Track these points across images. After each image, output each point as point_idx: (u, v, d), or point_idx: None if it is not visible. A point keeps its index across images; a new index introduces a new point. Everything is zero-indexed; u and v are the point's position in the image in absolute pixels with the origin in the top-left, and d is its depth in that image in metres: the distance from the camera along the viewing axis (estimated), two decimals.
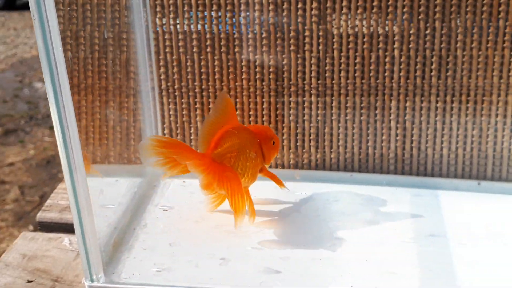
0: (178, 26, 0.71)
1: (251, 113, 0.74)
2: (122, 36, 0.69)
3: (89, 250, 0.53)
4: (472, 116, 0.70)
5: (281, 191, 0.66)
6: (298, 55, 0.70)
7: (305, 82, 0.71)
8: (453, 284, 0.54)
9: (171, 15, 0.71)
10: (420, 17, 0.67)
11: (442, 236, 0.61)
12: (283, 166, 0.76)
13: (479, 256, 0.58)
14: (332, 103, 0.72)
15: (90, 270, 0.54)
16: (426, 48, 0.68)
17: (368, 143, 0.73)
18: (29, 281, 0.58)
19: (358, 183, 0.73)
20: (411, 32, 0.67)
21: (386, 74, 0.69)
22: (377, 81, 0.70)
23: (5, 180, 2.06)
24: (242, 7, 0.69)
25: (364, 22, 0.68)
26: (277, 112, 0.73)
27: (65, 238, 0.65)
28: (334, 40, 0.69)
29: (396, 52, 0.68)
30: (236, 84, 0.73)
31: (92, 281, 0.55)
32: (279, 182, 0.66)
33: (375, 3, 0.67)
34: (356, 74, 0.70)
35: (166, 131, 0.76)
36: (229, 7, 0.70)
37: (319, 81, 0.71)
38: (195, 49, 0.72)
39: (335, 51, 0.70)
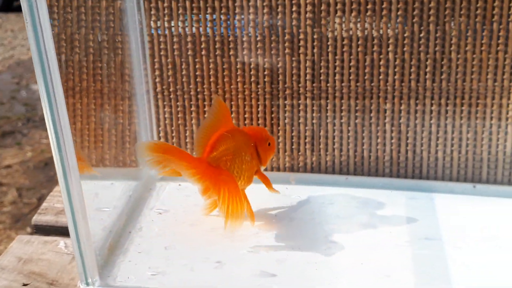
0: (173, 29, 0.71)
1: (246, 116, 0.74)
2: (116, 39, 0.69)
3: (84, 253, 0.53)
4: (467, 119, 0.70)
5: (275, 194, 0.66)
6: (293, 58, 0.70)
7: (300, 85, 0.71)
8: (448, 287, 0.54)
9: (166, 18, 0.71)
10: (414, 20, 0.67)
11: (437, 239, 0.61)
12: (278, 169, 0.76)
13: (474, 259, 0.58)
14: (327, 106, 0.72)
15: (86, 273, 0.54)
16: (420, 51, 0.68)
17: (363, 146, 0.73)
18: (24, 284, 0.58)
19: (353, 186, 0.73)
20: (405, 35, 0.68)
21: (381, 77, 0.70)
22: (372, 84, 0.70)
23: (3, 182, 2.05)
24: (237, 10, 0.69)
25: (359, 25, 0.68)
26: (272, 115, 0.73)
27: (61, 241, 0.65)
28: (329, 43, 0.69)
29: (390, 55, 0.69)
30: (231, 87, 0.73)
31: (87, 284, 0.55)
32: (269, 185, 0.66)
33: (369, 7, 0.67)
34: (351, 77, 0.70)
35: (161, 134, 0.76)
36: (223, 10, 0.70)
37: (314, 84, 0.71)
38: (190, 52, 0.72)
39: (330, 54, 0.70)
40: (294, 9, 0.68)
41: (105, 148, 0.72)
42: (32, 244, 0.65)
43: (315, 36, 0.69)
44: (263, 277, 0.56)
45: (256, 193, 0.66)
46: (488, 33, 0.66)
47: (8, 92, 3.06)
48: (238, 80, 0.72)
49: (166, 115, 0.75)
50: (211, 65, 0.72)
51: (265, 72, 0.72)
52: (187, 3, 0.70)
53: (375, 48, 0.69)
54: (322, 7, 0.68)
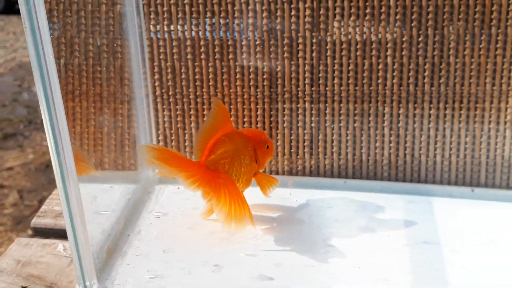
0: (172, 33, 0.72)
1: (245, 119, 0.74)
2: (116, 43, 0.69)
3: (82, 256, 0.53)
4: (466, 123, 0.70)
5: (275, 197, 0.67)
6: (292, 62, 0.71)
7: (299, 89, 0.72)
8: None
9: (165, 22, 0.71)
10: (412, 24, 0.67)
11: (436, 243, 0.61)
12: (277, 173, 0.76)
13: (472, 262, 0.58)
14: (326, 109, 0.72)
15: (84, 276, 0.54)
16: (419, 56, 0.68)
17: (362, 150, 0.73)
18: (23, 287, 0.58)
19: (352, 189, 0.73)
20: (403, 39, 0.68)
21: (379, 81, 0.70)
22: (371, 88, 0.70)
23: (4, 185, 2.06)
24: (236, 14, 0.70)
25: (357, 29, 0.68)
26: (271, 119, 0.74)
27: (60, 244, 0.65)
28: (327, 47, 0.70)
29: (389, 59, 0.69)
30: (231, 90, 0.73)
31: (85, 287, 0.55)
32: (264, 190, 0.65)
33: (368, 11, 0.67)
34: (349, 81, 0.70)
35: (160, 137, 0.76)
36: (223, 14, 0.70)
37: (313, 88, 0.71)
38: (189, 56, 0.72)
39: (329, 58, 0.70)
40: (293, 13, 0.69)
41: (104, 152, 0.72)
42: (31, 247, 0.65)
43: (314, 40, 0.69)
44: (261, 281, 0.56)
45: (254, 196, 0.67)
46: (486, 37, 0.66)
47: (10, 94, 3.07)
48: (237, 84, 0.73)
49: (166, 119, 0.75)
50: (210, 69, 0.72)
51: (264, 76, 0.72)
52: (187, 7, 0.70)
53: (374, 52, 0.69)
54: (321, 12, 0.68)
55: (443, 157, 0.72)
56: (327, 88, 0.71)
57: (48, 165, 2.20)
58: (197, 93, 0.74)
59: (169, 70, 0.73)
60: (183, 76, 0.73)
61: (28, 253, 0.64)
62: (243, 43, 0.71)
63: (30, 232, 1.70)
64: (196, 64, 0.73)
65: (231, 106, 0.74)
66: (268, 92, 0.73)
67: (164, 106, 0.75)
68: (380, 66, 0.69)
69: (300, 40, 0.70)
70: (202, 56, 0.72)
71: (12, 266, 0.61)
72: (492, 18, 0.65)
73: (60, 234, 0.68)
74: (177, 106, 0.75)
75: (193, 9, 0.70)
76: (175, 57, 0.73)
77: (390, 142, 0.72)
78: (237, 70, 0.72)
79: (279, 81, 0.72)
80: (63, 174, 0.49)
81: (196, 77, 0.73)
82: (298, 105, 0.72)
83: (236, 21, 0.70)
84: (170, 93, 0.74)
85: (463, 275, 0.56)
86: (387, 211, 0.68)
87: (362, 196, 0.71)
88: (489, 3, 0.65)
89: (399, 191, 0.72)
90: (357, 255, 0.59)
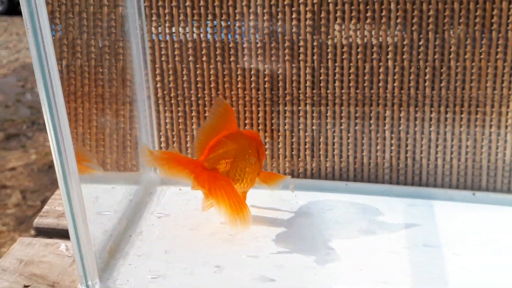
0: (173, 35, 0.72)
1: (246, 121, 0.74)
2: (118, 44, 0.69)
3: (84, 256, 0.53)
4: (467, 126, 0.70)
5: (277, 199, 0.67)
6: (293, 65, 0.71)
7: (300, 91, 0.72)
8: None
9: (167, 24, 0.72)
10: (413, 28, 0.67)
11: (436, 246, 0.61)
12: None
13: (473, 266, 0.58)
14: (327, 112, 0.72)
15: (86, 276, 0.55)
16: (419, 59, 0.68)
17: (363, 153, 0.73)
18: (25, 286, 0.58)
19: (353, 192, 0.73)
20: (404, 43, 0.68)
21: (380, 84, 0.70)
22: (372, 91, 0.70)
23: (7, 185, 2.06)
24: (238, 16, 0.70)
25: (358, 33, 0.68)
26: (273, 121, 0.74)
27: (62, 244, 0.66)
28: (328, 50, 0.70)
29: (390, 63, 0.69)
30: (232, 93, 0.73)
31: (87, 287, 0.55)
32: (272, 184, 0.65)
33: (368, 14, 0.68)
34: (350, 84, 0.71)
35: (162, 139, 0.77)
36: (224, 17, 0.70)
37: (314, 91, 0.72)
38: (191, 58, 0.73)
39: (330, 61, 0.70)
40: (294, 16, 0.69)
41: (106, 153, 0.72)
42: (34, 247, 0.65)
43: (315, 43, 0.70)
44: (262, 282, 0.56)
45: (255, 197, 0.67)
46: (487, 41, 0.67)
47: (13, 95, 3.08)
48: (238, 86, 0.73)
49: (167, 120, 0.76)
50: (212, 71, 0.73)
51: (266, 79, 0.72)
52: (188, 10, 0.71)
53: (375, 55, 0.69)
54: (322, 15, 0.69)
55: (444, 161, 0.72)
56: (328, 91, 0.71)
57: (51, 166, 2.21)
58: (199, 95, 0.74)
59: (170, 72, 0.74)
60: (185, 78, 0.74)
61: (30, 253, 0.64)
62: (245, 45, 0.71)
63: (32, 232, 1.70)
64: (197, 66, 0.73)
65: (233, 108, 0.74)
66: (269, 95, 0.73)
67: (166, 108, 0.75)
68: (381, 70, 0.69)
69: (301, 43, 0.70)
70: (204, 58, 0.72)
71: (15, 265, 0.62)
72: (493, 22, 0.66)
73: (62, 234, 0.69)
74: (179, 108, 0.75)
75: (194, 11, 0.71)
76: (176, 59, 0.73)
77: (391, 145, 0.72)
78: (239, 72, 0.72)
79: (280, 83, 0.72)
80: (65, 175, 0.49)
81: (198, 79, 0.73)
82: (299, 108, 0.73)
83: (238, 24, 0.70)
84: (171, 94, 0.75)
85: (463, 277, 0.56)
86: (388, 214, 0.68)
87: (363, 199, 0.71)
88: (490, 8, 0.65)
89: (400, 194, 0.72)
90: (358, 257, 0.60)
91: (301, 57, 0.71)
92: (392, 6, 0.67)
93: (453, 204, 0.70)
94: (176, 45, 0.72)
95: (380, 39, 0.68)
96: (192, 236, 0.64)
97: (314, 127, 0.73)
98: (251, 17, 0.70)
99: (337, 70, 0.70)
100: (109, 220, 0.64)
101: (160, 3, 0.71)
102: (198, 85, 0.74)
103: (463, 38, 0.67)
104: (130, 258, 0.60)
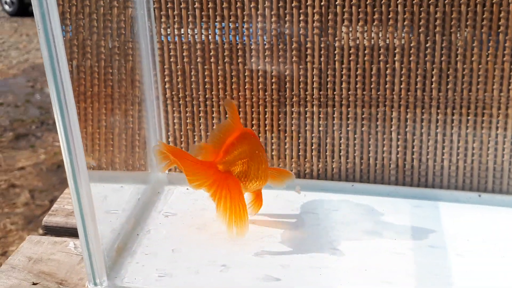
0: (182, 37, 0.73)
1: (253, 122, 0.75)
2: (127, 45, 0.70)
3: (92, 254, 0.54)
4: (473, 128, 0.70)
5: (283, 199, 0.67)
6: (300, 66, 0.71)
7: (307, 92, 0.72)
8: None
9: (176, 26, 0.72)
10: (420, 30, 0.67)
11: (441, 247, 0.61)
12: None
13: (477, 268, 0.58)
14: (333, 113, 0.73)
15: (94, 274, 0.55)
16: (426, 61, 0.69)
17: (369, 154, 0.74)
18: (34, 284, 0.59)
19: (359, 193, 0.73)
20: (411, 45, 0.68)
21: (387, 86, 0.70)
22: (378, 93, 0.71)
23: (16, 184, 2.08)
24: (246, 18, 0.70)
25: (365, 34, 0.69)
26: (280, 122, 0.74)
27: (70, 242, 0.66)
28: (335, 52, 0.70)
29: (397, 65, 0.69)
30: (239, 93, 0.74)
31: (95, 284, 0.56)
32: (280, 182, 0.66)
33: (376, 16, 0.68)
34: (357, 86, 0.71)
35: (170, 139, 0.77)
36: (232, 19, 0.71)
37: (321, 92, 0.72)
38: (199, 59, 0.73)
39: (337, 63, 0.70)
40: (301, 18, 0.69)
41: (115, 152, 0.73)
42: (42, 245, 0.66)
43: (322, 45, 0.70)
44: (267, 281, 0.56)
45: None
46: (494, 43, 0.67)
47: (22, 95, 3.10)
48: (246, 87, 0.73)
49: (175, 120, 0.76)
50: (220, 72, 0.73)
51: (273, 80, 0.73)
52: (197, 12, 0.71)
53: (381, 57, 0.69)
54: (330, 17, 0.69)
55: (451, 162, 0.72)
56: (335, 92, 0.72)
57: (60, 165, 2.22)
58: (207, 96, 0.75)
59: (179, 73, 0.74)
60: (193, 78, 0.74)
61: (39, 251, 0.65)
62: (252, 47, 0.72)
63: (41, 231, 1.72)
64: (205, 67, 0.73)
65: (240, 109, 0.74)
66: (276, 96, 0.73)
67: (174, 108, 0.76)
68: (388, 71, 0.70)
69: (309, 45, 0.70)
70: (212, 60, 0.73)
71: (24, 263, 0.62)
72: (500, 25, 0.66)
73: (71, 232, 0.69)
74: (187, 108, 0.76)
75: (203, 13, 0.71)
76: (185, 60, 0.74)
77: (397, 146, 0.73)
78: (246, 73, 0.73)
79: (288, 84, 0.73)
80: (75, 173, 0.50)
81: (206, 80, 0.74)
82: (306, 109, 0.73)
83: (246, 25, 0.71)
84: (180, 95, 0.75)
85: (468, 279, 0.56)
86: (394, 215, 0.68)
87: (369, 200, 0.72)
88: (497, 10, 0.65)
89: (406, 195, 0.72)
90: (363, 257, 0.60)
91: (309, 58, 0.71)
92: (400, 8, 0.67)
93: (459, 206, 0.70)
94: (184, 46, 0.73)
95: (387, 41, 0.69)
96: (199, 235, 0.65)
97: (320, 128, 0.74)
98: (259, 19, 0.70)
99: (344, 71, 0.71)
100: (117, 219, 0.64)
101: (169, 4, 0.72)
102: (206, 86, 0.74)
103: (470, 40, 0.67)
104: (138, 257, 0.61)
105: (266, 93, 0.73)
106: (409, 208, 0.70)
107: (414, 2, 0.67)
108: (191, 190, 0.74)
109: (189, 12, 0.72)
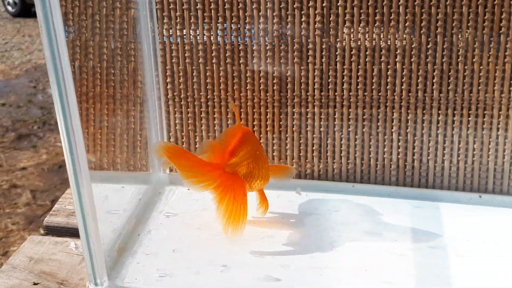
0: (184, 37, 0.73)
1: (255, 123, 0.75)
2: (130, 46, 0.70)
3: (93, 254, 0.54)
4: (474, 129, 0.70)
5: (284, 199, 0.67)
6: (302, 67, 0.72)
7: (308, 93, 0.73)
8: None
9: (178, 27, 0.72)
10: (422, 31, 0.68)
11: (442, 248, 0.61)
12: None
13: (478, 268, 0.58)
14: (335, 114, 0.73)
15: (94, 274, 0.55)
16: (427, 62, 0.69)
17: (370, 155, 0.74)
18: (35, 284, 0.59)
19: (359, 193, 0.73)
20: (413, 46, 0.68)
21: (388, 87, 0.70)
22: (379, 94, 0.71)
23: (17, 184, 2.08)
24: (247, 19, 0.71)
25: (367, 35, 0.69)
26: (281, 123, 0.74)
27: (71, 242, 0.66)
28: (337, 53, 0.70)
29: (398, 66, 0.69)
30: (241, 94, 0.74)
31: (96, 284, 0.56)
32: (282, 177, 0.68)
33: (377, 18, 0.68)
34: (358, 87, 0.71)
35: (171, 139, 0.77)
36: (234, 20, 0.71)
37: (322, 93, 0.72)
38: (201, 60, 0.73)
39: (338, 64, 0.71)
40: (303, 19, 0.70)
41: (116, 152, 0.73)
42: (43, 245, 0.66)
43: (323, 46, 0.70)
44: (267, 281, 0.56)
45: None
46: (495, 45, 0.67)
47: (25, 95, 3.10)
48: (247, 88, 0.74)
49: (177, 121, 0.77)
50: (222, 73, 0.74)
51: (274, 81, 0.73)
52: (199, 13, 0.72)
53: (383, 58, 0.69)
54: (331, 18, 0.69)
55: (451, 163, 0.72)
56: (336, 93, 0.72)
57: (61, 166, 2.22)
58: (208, 97, 0.75)
59: (181, 74, 0.75)
60: (195, 79, 0.75)
61: (40, 251, 0.65)
62: (254, 48, 0.72)
63: (42, 231, 1.72)
64: (207, 68, 0.74)
65: (241, 110, 0.75)
66: (278, 96, 0.73)
67: (176, 109, 0.76)
68: (389, 72, 0.70)
69: (310, 46, 0.71)
70: (214, 60, 0.73)
71: (25, 263, 0.62)
72: (501, 26, 0.66)
73: (72, 232, 0.69)
74: (189, 109, 0.76)
75: (205, 14, 0.72)
76: (187, 61, 0.74)
77: (398, 147, 0.73)
78: (248, 74, 0.73)
79: (289, 85, 0.73)
80: (76, 174, 0.50)
81: (208, 80, 0.74)
82: (307, 110, 0.73)
83: (247, 27, 0.71)
84: (181, 96, 0.75)
85: (468, 279, 0.57)
86: (394, 216, 0.68)
87: (369, 201, 0.72)
88: (498, 11, 0.65)
89: (406, 196, 0.72)
90: (363, 258, 0.60)
91: (310, 59, 0.71)
92: (401, 9, 0.67)
93: (459, 206, 0.70)
94: (186, 47, 0.73)
95: (389, 42, 0.69)
96: (199, 236, 0.65)
97: (321, 129, 0.74)
98: (261, 20, 0.70)
99: (345, 72, 0.71)
100: (118, 219, 0.65)
101: (171, 6, 0.72)
102: (207, 87, 0.75)
103: (471, 41, 0.67)
104: (138, 257, 0.61)
105: (267, 94, 0.73)
106: (409, 209, 0.70)
107: (415, 3, 0.67)
108: (192, 191, 0.74)
109: (191, 13, 0.72)
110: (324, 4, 0.69)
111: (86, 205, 0.51)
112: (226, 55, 0.73)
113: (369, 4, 0.68)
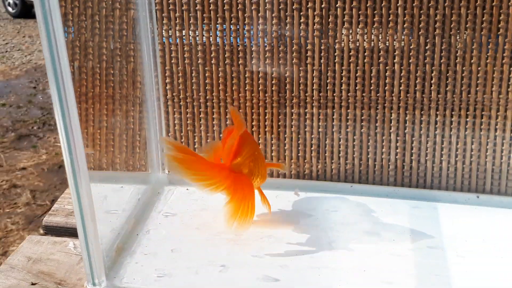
0: (184, 38, 0.73)
1: (253, 123, 0.75)
2: (129, 47, 0.70)
3: (91, 254, 0.54)
4: (472, 130, 0.70)
5: (282, 200, 0.68)
6: (301, 68, 0.72)
7: (307, 94, 0.73)
8: None
9: (177, 28, 0.73)
10: (420, 32, 0.68)
11: (440, 248, 0.62)
12: (284, 176, 0.77)
13: (476, 268, 0.58)
14: (333, 115, 0.73)
15: (93, 274, 0.55)
16: (426, 63, 0.69)
17: (368, 155, 0.74)
18: (33, 284, 0.59)
19: (358, 194, 0.74)
20: (411, 47, 0.69)
21: (386, 87, 0.71)
22: (378, 95, 0.71)
23: (17, 184, 2.08)
24: (246, 20, 0.71)
25: (365, 36, 0.69)
26: (279, 123, 0.75)
27: (70, 242, 0.66)
28: (335, 54, 0.70)
29: (396, 67, 0.70)
30: (240, 95, 0.74)
31: (94, 284, 0.56)
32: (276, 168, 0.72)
33: (376, 19, 0.68)
34: (357, 87, 0.71)
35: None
36: (233, 21, 0.71)
37: (320, 94, 0.72)
38: (200, 61, 0.74)
39: (337, 65, 0.71)
40: (302, 20, 0.70)
41: (116, 152, 0.73)
42: (42, 245, 0.66)
43: (322, 47, 0.70)
44: (266, 282, 0.56)
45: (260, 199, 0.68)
46: (493, 46, 0.67)
47: (25, 96, 3.10)
48: (246, 88, 0.74)
49: (176, 121, 0.77)
50: (221, 74, 0.74)
51: (273, 81, 0.73)
52: (198, 14, 0.72)
53: (381, 59, 0.70)
54: (330, 19, 0.69)
55: (449, 164, 0.72)
56: (334, 94, 0.72)
57: (61, 166, 2.22)
58: (207, 97, 0.75)
59: (180, 74, 0.75)
60: (194, 80, 0.75)
61: (39, 250, 0.65)
62: (253, 48, 0.72)
63: (41, 231, 1.72)
64: (206, 68, 0.74)
65: (240, 110, 0.75)
66: (276, 97, 0.74)
67: (175, 109, 0.76)
68: (387, 73, 0.70)
69: (309, 47, 0.71)
70: (213, 61, 0.73)
71: (23, 263, 0.62)
72: (499, 27, 0.66)
73: (71, 232, 0.69)
74: (188, 109, 0.76)
75: (204, 15, 0.72)
76: (186, 61, 0.74)
77: (396, 148, 0.73)
78: (247, 75, 0.73)
79: (288, 86, 0.73)
80: (75, 173, 0.50)
81: (207, 81, 0.74)
82: (306, 110, 0.73)
83: (246, 28, 0.71)
84: (181, 96, 0.76)
85: (466, 279, 0.57)
86: (392, 216, 0.68)
87: (368, 201, 0.72)
88: (497, 13, 0.66)
89: (404, 196, 0.73)
90: (362, 258, 0.60)
91: (309, 60, 0.71)
92: (399, 10, 0.67)
93: (457, 207, 0.70)
94: (186, 48, 0.73)
95: (387, 43, 0.69)
96: (198, 236, 0.65)
97: (320, 129, 0.74)
98: (260, 21, 0.71)
99: (344, 73, 0.71)
100: (117, 219, 0.65)
101: (171, 7, 0.72)
102: (206, 87, 0.75)
103: (470, 42, 0.67)
104: (137, 257, 0.61)
105: (266, 95, 0.74)
106: (407, 209, 0.70)
107: (414, 4, 0.67)
108: (191, 190, 0.75)
109: (190, 14, 0.72)
110: (323, 6, 0.69)
111: (85, 205, 0.52)
112: (225, 56, 0.73)
113: (367, 5, 0.68)
